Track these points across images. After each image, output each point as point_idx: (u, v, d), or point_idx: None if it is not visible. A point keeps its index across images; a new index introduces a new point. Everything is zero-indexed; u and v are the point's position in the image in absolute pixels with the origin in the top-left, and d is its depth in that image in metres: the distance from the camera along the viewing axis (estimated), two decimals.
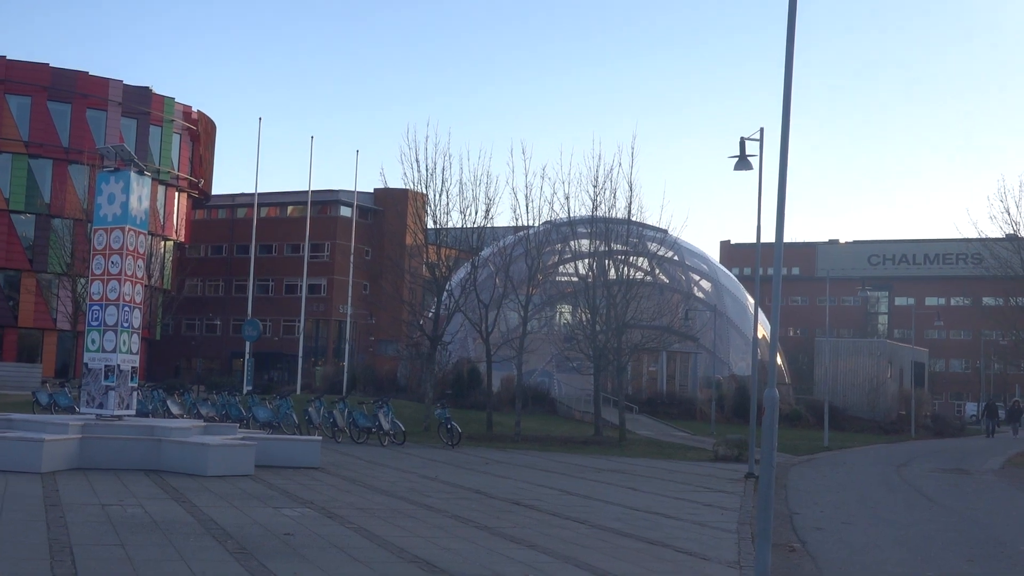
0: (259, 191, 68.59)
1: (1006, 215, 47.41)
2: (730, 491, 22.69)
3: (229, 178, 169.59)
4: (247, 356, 59.57)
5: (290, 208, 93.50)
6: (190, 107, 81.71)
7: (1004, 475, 32.10)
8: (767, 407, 12.12)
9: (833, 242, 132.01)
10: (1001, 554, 15.21)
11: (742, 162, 28.42)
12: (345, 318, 76.31)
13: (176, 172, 79.79)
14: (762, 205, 28.34)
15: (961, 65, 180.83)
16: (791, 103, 12.55)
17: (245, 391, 50.57)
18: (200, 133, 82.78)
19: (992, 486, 27.94)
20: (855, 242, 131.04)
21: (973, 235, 50.85)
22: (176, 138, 79.64)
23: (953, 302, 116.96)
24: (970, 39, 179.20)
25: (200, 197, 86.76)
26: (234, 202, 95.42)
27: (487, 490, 20.50)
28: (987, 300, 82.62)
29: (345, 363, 66.55)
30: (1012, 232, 47.77)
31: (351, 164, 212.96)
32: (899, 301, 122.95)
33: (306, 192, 69.54)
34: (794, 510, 19.80)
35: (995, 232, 49.60)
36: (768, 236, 34.40)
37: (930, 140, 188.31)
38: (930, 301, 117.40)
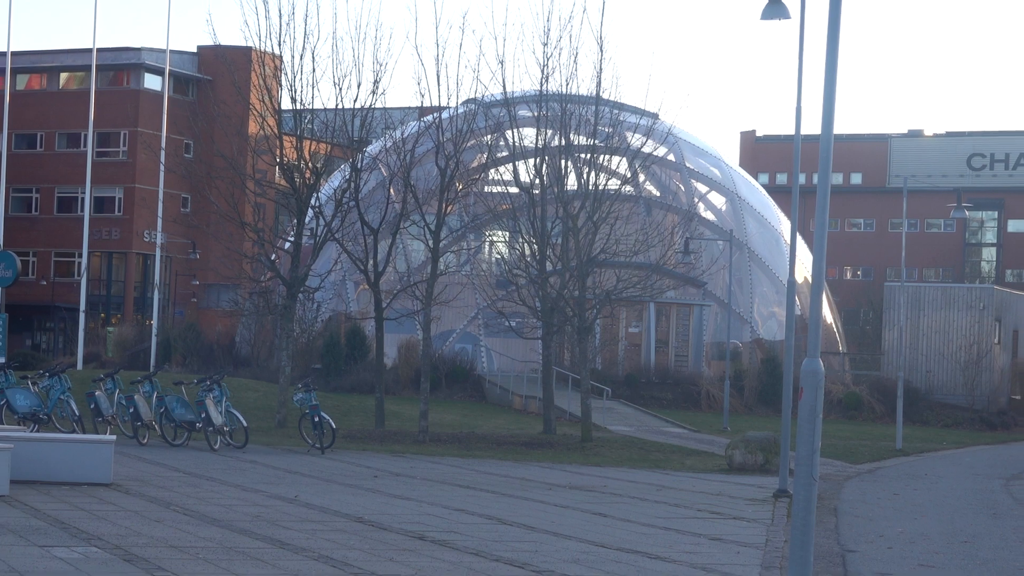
0: (13, 48, 67.62)
1: None
2: (751, 518, 22.96)
3: None
4: None
5: (65, 76, 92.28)
6: None
7: None
8: (807, 388, 12.29)
9: (915, 134, 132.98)
10: None
11: (774, 6, 28.50)
12: (154, 251, 75.82)
13: None
14: (804, 76, 28.38)
15: None
16: None
17: None
18: None
19: None
20: (948, 135, 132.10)
21: None
22: None
23: None
24: None
25: None
26: None
27: (375, 518, 20.58)
28: None
29: (154, 321, 66.18)
30: None
31: (161, 7, 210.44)
32: (1014, 225, 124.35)
33: (90, 52, 68.66)
34: (848, 547, 20.09)
35: None
36: (814, 123, 34.57)
37: None
38: None
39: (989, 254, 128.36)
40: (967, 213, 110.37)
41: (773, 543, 19.62)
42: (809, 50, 28.35)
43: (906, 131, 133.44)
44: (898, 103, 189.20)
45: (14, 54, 67.66)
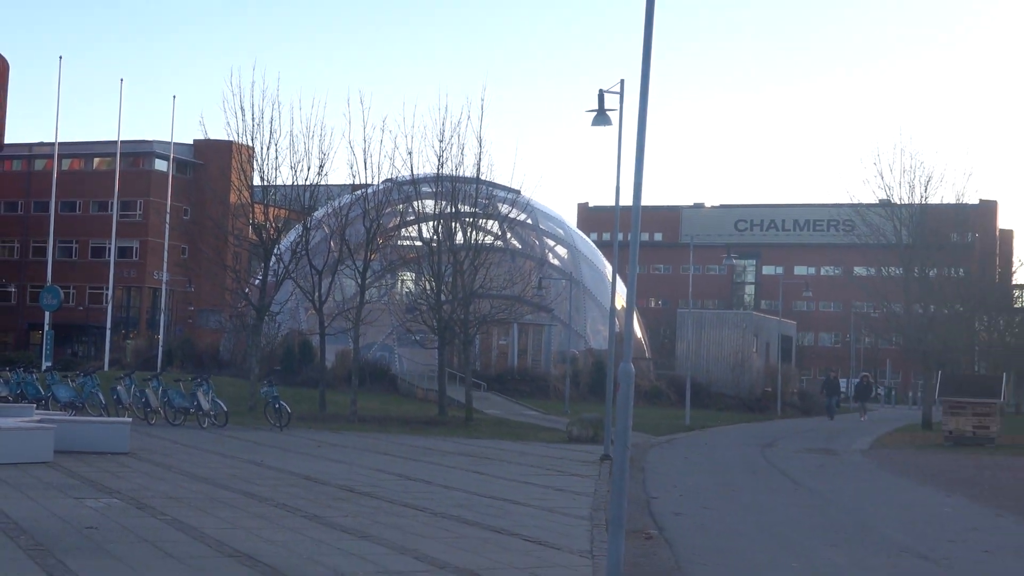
0: (60, 140, 66.67)
1: (879, 179, 49.12)
2: (584, 475, 23.03)
3: (25, 125, 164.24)
4: (46, 328, 58.07)
5: (96, 160, 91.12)
6: None
7: (872, 456, 33.35)
8: (622, 383, 12.33)
9: (698, 206, 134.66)
10: (866, 539, 15.83)
11: (600, 117, 28.69)
12: (160, 285, 74.85)
13: None
14: (622, 164, 28.69)
15: (837, 21, 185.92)
16: (651, 48, 12.72)
17: (44, 368, 49.33)
18: None
19: (859, 467, 29.02)
20: (721, 206, 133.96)
21: (845, 200, 52.58)
22: None
23: (823, 271, 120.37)
24: None
25: None
26: (31, 152, 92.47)
27: (318, 476, 20.43)
28: (858, 270, 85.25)
29: (160, 336, 65.34)
30: (885, 197, 49.51)
31: (167, 111, 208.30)
32: (767, 270, 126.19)
33: (115, 143, 67.81)
34: (652, 494, 20.22)
35: (868, 197, 51.33)
36: (628, 198, 34.86)
37: (804, 97, 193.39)
38: (799, 270, 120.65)
39: (750, 290, 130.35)
40: (734, 261, 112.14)
41: (599, 492, 19.70)
42: (626, 137, 28.59)
43: (692, 203, 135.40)
44: (687, 181, 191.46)
45: (60, 143, 66.60)
